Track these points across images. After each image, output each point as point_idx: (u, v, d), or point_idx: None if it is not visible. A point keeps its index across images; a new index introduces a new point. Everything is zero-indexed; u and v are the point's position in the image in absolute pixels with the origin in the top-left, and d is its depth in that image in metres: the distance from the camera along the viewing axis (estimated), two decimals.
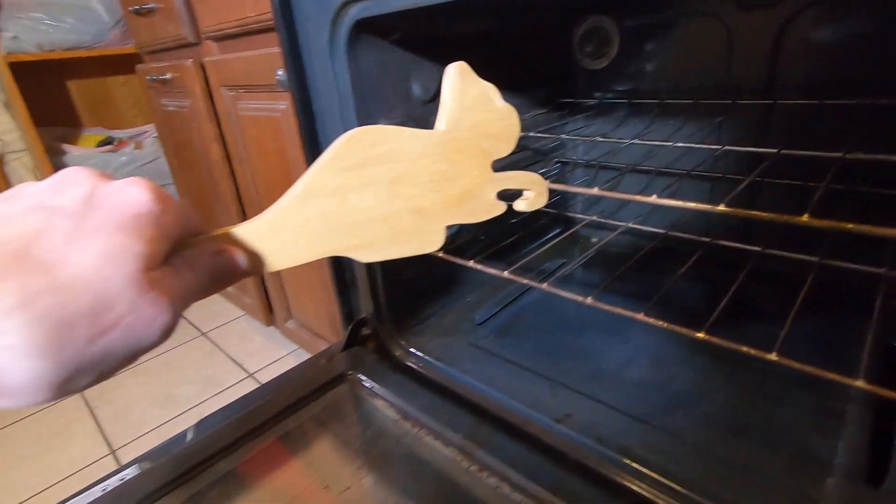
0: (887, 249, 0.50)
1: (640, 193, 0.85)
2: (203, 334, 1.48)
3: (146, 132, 1.91)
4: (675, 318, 0.69)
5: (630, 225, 0.76)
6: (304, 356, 1.15)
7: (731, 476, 0.45)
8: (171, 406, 1.17)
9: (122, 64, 1.81)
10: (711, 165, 0.75)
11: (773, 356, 0.36)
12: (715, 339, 0.38)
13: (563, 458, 0.50)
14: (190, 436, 0.56)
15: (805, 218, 0.32)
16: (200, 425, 0.57)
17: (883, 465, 0.45)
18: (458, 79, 0.33)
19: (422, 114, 0.66)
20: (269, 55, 0.72)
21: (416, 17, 0.60)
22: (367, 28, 0.55)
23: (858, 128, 0.58)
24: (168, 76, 1.01)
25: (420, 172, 0.31)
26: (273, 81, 0.73)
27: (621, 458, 0.48)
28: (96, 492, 0.50)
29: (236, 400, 0.58)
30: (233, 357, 1.35)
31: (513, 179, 0.38)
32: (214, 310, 1.59)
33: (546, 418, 0.54)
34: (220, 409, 0.57)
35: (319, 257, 0.28)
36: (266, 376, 1.25)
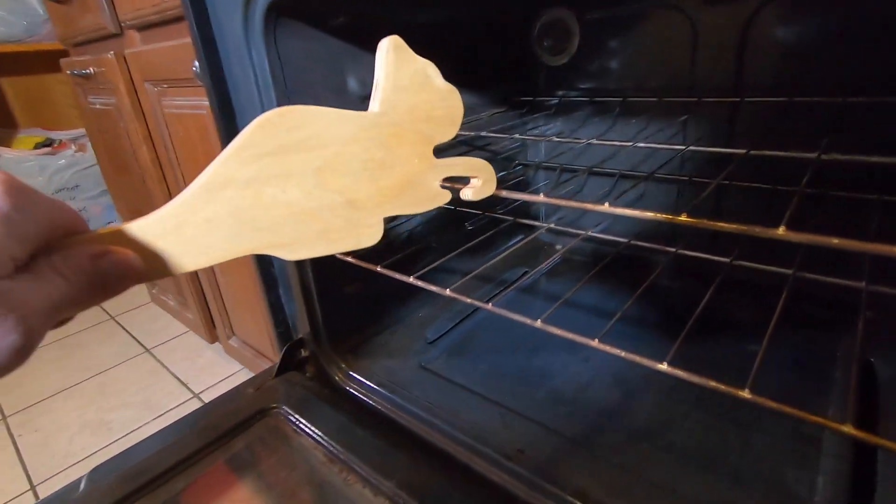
0: (865, 261, 0.45)
1: (604, 196, 0.80)
2: (147, 351, 1.37)
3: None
4: (639, 338, 0.64)
5: (591, 233, 0.70)
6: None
7: None
8: (103, 433, 1.07)
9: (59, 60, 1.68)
10: (678, 166, 0.71)
11: (745, 394, 0.30)
12: (680, 373, 0.33)
13: (514, 502, 0.44)
14: (82, 487, 0.48)
15: (781, 231, 0.27)
16: (94, 474, 0.48)
17: (864, 501, 0.40)
18: (391, 55, 0.30)
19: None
20: (188, 45, 0.64)
21: (343, 2, 0.53)
22: (287, 12, 0.48)
23: (829, 127, 0.53)
24: (91, 70, 0.91)
25: (351, 160, 0.29)
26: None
27: (578, 502, 0.42)
28: None
29: (139, 443, 0.49)
30: (178, 376, 1.25)
31: (457, 166, 0.35)
32: (162, 323, 1.48)
33: (496, 454, 0.47)
34: (118, 455, 0.49)
35: (236, 256, 0.25)
36: (213, 397, 1.15)
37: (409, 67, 0.31)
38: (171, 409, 1.13)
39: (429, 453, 0.48)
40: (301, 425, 0.50)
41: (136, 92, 0.84)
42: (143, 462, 0.47)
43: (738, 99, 0.62)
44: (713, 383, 0.32)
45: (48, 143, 1.74)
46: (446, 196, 0.35)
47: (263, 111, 0.52)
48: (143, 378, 1.25)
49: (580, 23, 0.76)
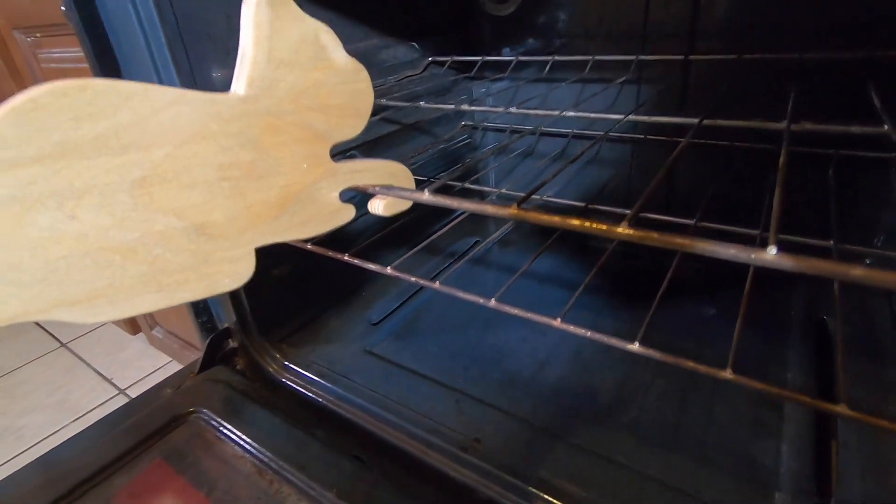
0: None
1: (558, 158, 0.75)
2: (63, 345, 1.23)
3: None
4: (597, 309, 0.61)
5: (546, 198, 0.66)
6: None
7: None
8: (11, 442, 0.95)
9: None
10: (632, 126, 0.67)
11: (727, 374, 0.27)
12: (652, 353, 0.29)
13: (471, 497, 0.39)
14: None
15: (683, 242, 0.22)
16: None
17: (830, 471, 0.39)
18: (265, 11, 0.21)
19: None
20: None
21: None
22: None
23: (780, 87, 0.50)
24: None
25: (196, 166, 0.20)
26: None
27: (541, 493, 0.38)
28: None
29: (36, 460, 0.41)
30: (100, 371, 1.13)
31: (365, 173, 0.28)
32: None
33: (451, 447, 0.43)
34: (11, 476, 0.40)
35: None
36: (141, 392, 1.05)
37: (292, 32, 0.22)
38: (94, 409, 1.01)
39: (377, 451, 0.43)
40: (225, 431, 0.43)
41: (6, 44, 0.70)
42: (43, 482, 0.38)
43: (685, 56, 0.57)
44: (690, 363, 0.28)
45: None
46: (349, 212, 0.27)
47: (154, 61, 0.43)
48: (58, 377, 1.12)
49: None
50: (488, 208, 0.29)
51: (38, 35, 0.63)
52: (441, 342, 0.58)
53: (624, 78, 0.57)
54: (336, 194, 0.26)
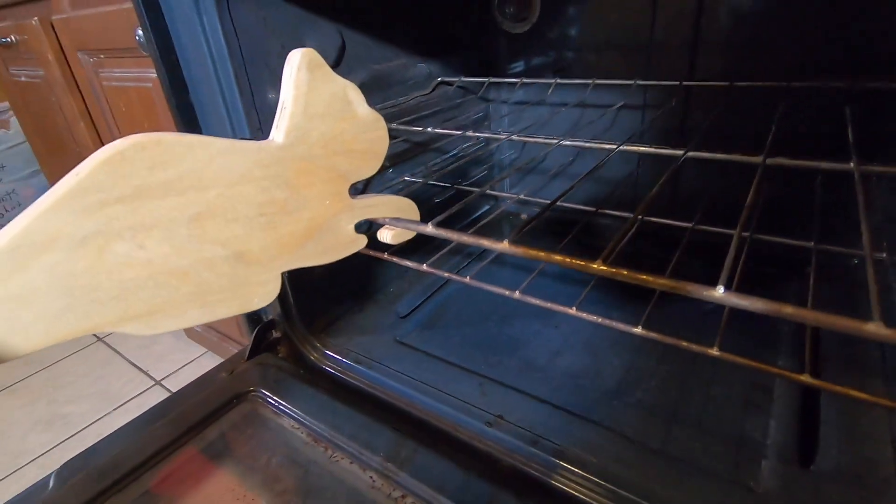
0: (815, 222, 0.49)
1: (568, 167, 0.81)
2: (99, 339, 1.31)
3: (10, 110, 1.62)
4: (606, 302, 0.67)
5: (559, 203, 0.71)
6: (219, 359, 1.03)
7: (669, 471, 0.43)
8: (59, 427, 1.02)
9: None
10: (638, 138, 0.72)
11: (714, 352, 0.32)
12: (653, 335, 0.34)
13: (496, 466, 0.45)
14: (52, 485, 0.46)
15: (661, 280, 0.28)
16: (63, 471, 0.46)
17: (812, 443, 0.44)
18: (303, 73, 0.24)
19: None
20: (127, 11, 0.59)
21: None
22: None
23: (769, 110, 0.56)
24: (12, 39, 0.83)
25: (241, 204, 0.23)
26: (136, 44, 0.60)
27: (557, 461, 0.44)
28: None
29: (107, 436, 0.48)
30: (134, 363, 1.20)
31: (377, 207, 0.31)
32: None
33: (477, 422, 0.49)
34: (86, 451, 0.47)
35: (68, 338, 0.19)
36: (176, 383, 1.12)
37: (325, 90, 0.25)
38: (133, 398, 1.09)
39: (412, 426, 0.49)
40: (281, 407, 0.49)
41: (68, 62, 0.77)
42: (115, 457, 0.45)
43: (686, 83, 0.63)
44: (685, 343, 0.34)
45: None
46: (362, 241, 0.31)
47: (220, 85, 0.50)
48: (97, 368, 1.19)
49: None
50: (483, 241, 0.35)
51: (101, 56, 0.70)
52: (463, 333, 0.64)
53: (622, 103, 0.63)
54: (352, 226, 0.29)
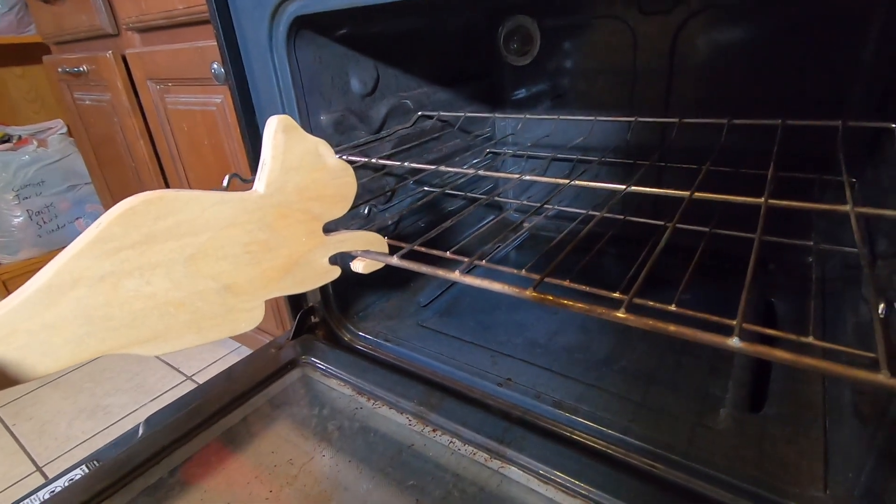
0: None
1: (565, 178, 0.93)
2: None
3: (51, 129, 1.76)
4: (597, 296, 0.78)
5: (558, 208, 0.83)
6: (246, 353, 1.13)
7: (647, 415, 0.53)
8: (102, 417, 1.11)
9: (19, 54, 1.66)
10: (624, 150, 0.85)
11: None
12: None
13: (507, 415, 0.56)
14: (141, 431, 0.56)
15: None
16: (150, 421, 0.57)
17: (760, 397, 0.55)
18: (280, 136, 0.29)
19: (361, 108, 0.69)
20: (200, 48, 0.71)
21: (351, 16, 0.63)
22: (306, 24, 0.57)
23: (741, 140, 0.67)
24: (83, 68, 0.95)
25: (229, 244, 0.27)
26: (206, 75, 0.73)
27: (556, 409, 0.54)
28: (44, 494, 0.49)
29: (186, 394, 0.58)
30: (166, 361, 1.30)
31: (347, 241, 0.35)
32: None
33: (489, 384, 0.59)
34: (169, 405, 0.57)
35: (89, 359, 0.24)
36: (206, 378, 1.22)
37: (298, 148, 0.29)
38: (167, 392, 1.18)
39: (436, 387, 0.59)
40: (329, 369, 0.60)
41: (134, 89, 0.89)
42: (197, 406, 0.55)
43: (677, 120, 0.75)
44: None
45: (6, 139, 1.71)
46: (335, 272, 0.34)
47: (284, 110, 0.62)
48: (132, 366, 1.29)
49: (540, 29, 0.89)
50: (439, 272, 0.39)
51: (168, 84, 0.83)
52: (477, 319, 0.74)
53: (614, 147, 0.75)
54: (326, 259, 0.33)
